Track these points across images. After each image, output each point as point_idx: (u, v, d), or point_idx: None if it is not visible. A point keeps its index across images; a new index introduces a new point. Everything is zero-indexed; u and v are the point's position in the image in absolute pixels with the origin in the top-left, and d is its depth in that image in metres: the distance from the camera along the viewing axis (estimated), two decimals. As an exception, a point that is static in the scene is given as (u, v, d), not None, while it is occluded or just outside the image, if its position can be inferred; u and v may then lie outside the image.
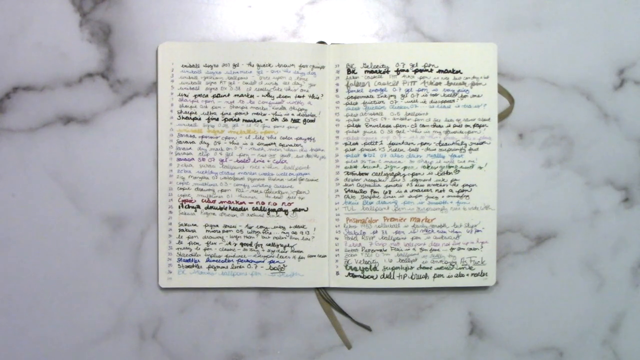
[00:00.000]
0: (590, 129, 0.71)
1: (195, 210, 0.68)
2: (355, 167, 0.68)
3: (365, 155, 0.68)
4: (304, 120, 0.68)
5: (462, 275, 0.69)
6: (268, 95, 0.68)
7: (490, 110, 0.69)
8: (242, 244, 0.68)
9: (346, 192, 0.69)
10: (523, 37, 0.70)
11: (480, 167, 0.69)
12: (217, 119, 0.68)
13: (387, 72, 0.68)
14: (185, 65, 0.68)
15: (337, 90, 0.68)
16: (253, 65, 0.68)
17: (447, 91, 0.68)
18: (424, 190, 0.69)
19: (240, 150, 0.68)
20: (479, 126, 0.69)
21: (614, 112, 0.71)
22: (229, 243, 0.68)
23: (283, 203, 0.68)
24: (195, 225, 0.68)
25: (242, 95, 0.68)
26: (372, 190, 0.69)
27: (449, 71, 0.68)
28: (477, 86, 0.69)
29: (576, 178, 0.70)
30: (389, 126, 0.68)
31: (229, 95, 0.68)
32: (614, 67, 0.71)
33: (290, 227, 0.68)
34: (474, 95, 0.69)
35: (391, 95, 0.68)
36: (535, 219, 0.70)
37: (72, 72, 0.68)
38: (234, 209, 0.68)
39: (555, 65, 0.70)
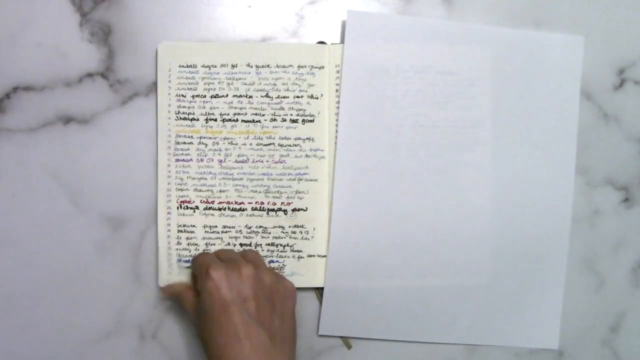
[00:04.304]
0: (590, 129, 0.71)
1: (194, 211, 0.68)
2: (355, 167, 0.69)
3: (364, 156, 0.69)
4: (303, 121, 0.68)
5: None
6: (267, 95, 0.68)
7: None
8: (241, 244, 0.68)
9: (346, 192, 0.69)
10: (523, 37, 0.70)
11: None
12: (216, 120, 0.68)
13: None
14: (183, 66, 0.67)
15: (337, 91, 0.68)
16: (252, 66, 0.68)
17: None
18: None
19: (239, 151, 0.68)
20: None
21: (614, 112, 0.71)
22: (228, 243, 0.68)
23: (282, 203, 0.68)
24: (194, 226, 0.68)
25: (240, 96, 0.68)
26: (371, 190, 0.69)
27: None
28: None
29: (576, 178, 0.70)
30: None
31: (227, 95, 0.68)
32: (614, 67, 0.71)
33: (290, 227, 0.68)
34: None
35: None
36: (535, 219, 0.70)
37: (72, 72, 0.68)
38: (233, 210, 0.68)
39: (555, 65, 0.70)
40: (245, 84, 0.68)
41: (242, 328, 0.57)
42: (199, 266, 0.61)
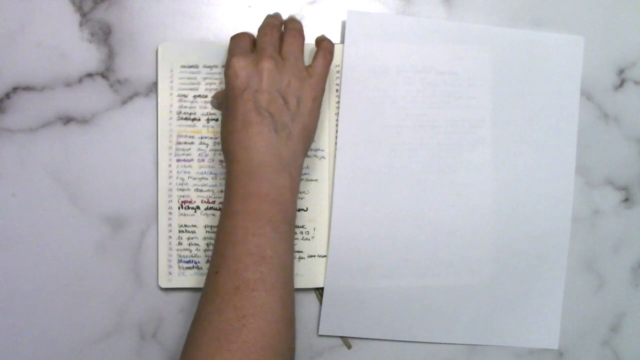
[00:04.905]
0: (590, 129, 0.71)
1: (195, 211, 0.68)
2: (355, 167, 0.68)
3: (365, 156, 0.69)
4: (304, 121, 0.68)
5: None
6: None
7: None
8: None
9: (346, 192, 0.69)
10: (523, 37, 0.70)
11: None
12: (217, 120, 0.67)
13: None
14: (185, 66, 0.67)
15: (337, 91, 0.68)
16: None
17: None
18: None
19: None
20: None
21: (614, 112, 0.71)
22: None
23: (283, 203, 0.68)
24: (195, 226, 0.68)
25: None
26: (372, 190, 0.69)
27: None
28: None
29: (576, 178, 0.70)
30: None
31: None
32: (614, 67, 0.71)
33: (290, 227, 0.68)
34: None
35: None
36: (535, 219, 0.70)
37: (72, 72, 0.68)
38: (234, 210, 0.68)
39: (555, 65, 0.70)
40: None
41: (251, 114, 0.58)
42: (229, 50, 0.63)
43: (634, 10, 0.71)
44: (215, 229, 0.67)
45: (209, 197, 0.67)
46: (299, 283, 0.68)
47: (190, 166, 0.67)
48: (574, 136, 0.70)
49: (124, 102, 0.68)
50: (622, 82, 0.71)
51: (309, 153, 0.67)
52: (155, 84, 0.68)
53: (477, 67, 0.68)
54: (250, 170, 0.58)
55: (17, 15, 0.67)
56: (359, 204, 0.68)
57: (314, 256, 0.68)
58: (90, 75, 0.68)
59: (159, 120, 0.67)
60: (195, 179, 0.67)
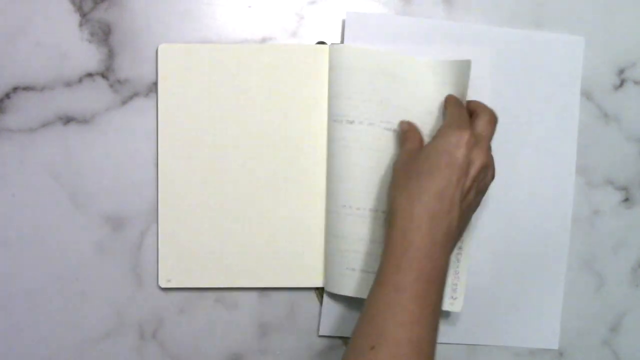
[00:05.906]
0: (590, 129, 0.71)
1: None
2: (355, 167, 0.68)
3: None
4: (304, 121, 0.68)
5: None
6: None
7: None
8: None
9: (346, 192, 0.68)
10: (523, 37, 0.70)
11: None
12: (217, 120, 0.67)
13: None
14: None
15: (337, 91, 0.68)
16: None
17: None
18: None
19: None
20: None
21: (614, 112, 0.71)
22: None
23: (283, 203, 0.68)
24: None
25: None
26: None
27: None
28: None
29: (576, 178, 0.70)
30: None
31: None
32: (614, 67, 0.71)
33: (291, 227, 0.68)
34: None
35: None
36: (535, 219, 0.70)
37: (72, 72, 0.68)
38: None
39: (555, 65, 0.70)
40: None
41: (448, 194, 0.56)
42: (459, 114, 0.61)
43: (634, 10, 0.71)
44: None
45: None
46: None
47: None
48: (574, 136, 0.70)
49: (124, 102, 0.68)
50: (622, 82, 0.71)
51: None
52: (155, 84, 0.67)
53: (477, 67, 0.68)
54: (431, 247, 0.55)
55: (17, 15, 0.67)
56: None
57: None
58: (90, 75, 0.68)
59: (158, 121, 0.67)
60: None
